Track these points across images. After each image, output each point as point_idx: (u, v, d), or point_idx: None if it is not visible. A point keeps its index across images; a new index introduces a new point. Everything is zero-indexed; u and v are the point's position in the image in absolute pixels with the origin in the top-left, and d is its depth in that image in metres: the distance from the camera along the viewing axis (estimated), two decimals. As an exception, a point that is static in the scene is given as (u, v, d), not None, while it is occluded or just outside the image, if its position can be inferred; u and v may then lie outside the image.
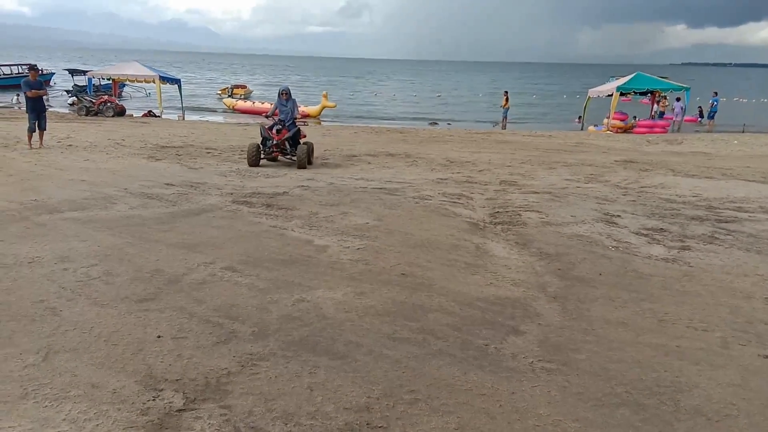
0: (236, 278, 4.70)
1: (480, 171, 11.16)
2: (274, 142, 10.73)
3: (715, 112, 24.83)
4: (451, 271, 5.14)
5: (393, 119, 29.35)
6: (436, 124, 27.20)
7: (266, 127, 10.95)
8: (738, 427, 2.90)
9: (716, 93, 26.08)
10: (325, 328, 3.83)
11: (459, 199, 8.30)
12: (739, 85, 74.32)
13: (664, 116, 24.48)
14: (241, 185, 8.71)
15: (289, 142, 10.91)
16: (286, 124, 10.87)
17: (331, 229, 6.34)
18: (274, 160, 11.09)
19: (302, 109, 27.16)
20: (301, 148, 10.70)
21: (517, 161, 12.81)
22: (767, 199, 8.87)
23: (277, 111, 11.13)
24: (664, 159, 14.02)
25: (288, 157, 10.95)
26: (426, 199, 8.11)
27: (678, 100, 23.66)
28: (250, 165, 10.55)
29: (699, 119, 26.05)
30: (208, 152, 12.39)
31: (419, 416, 2.88)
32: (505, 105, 25.32)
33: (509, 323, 4.05)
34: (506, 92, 26.32)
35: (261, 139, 11.03)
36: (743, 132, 22.72)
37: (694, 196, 8.99)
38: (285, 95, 11.01)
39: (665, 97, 26.26)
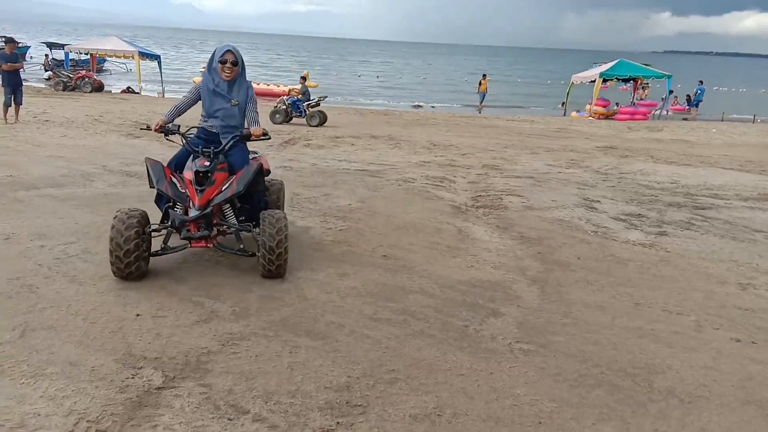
0: (217, 257, 4.67)
1: (463, 154, 11.18)
2: (195, 211, 4.09)
3: (700, 100, 25.11)
4: (433, 254, 5.16)
5: (377, 101, 29.20)
6: (421, 106, 27.13)
7: (167, 163, 4.52)
8: (709, 408, 2.98)
9: (701, 82, 26.36)
10: (307, 309, 3.83)
11: (442, 182, 8.31)
12: (720, 74, 75.29)
13: (636, 104, 24.72)
14: (222, 164, 8.61)
15: (235, 207, 4.53)
16: (225, 150, 4.39)
17: (313, 210, 6.31)
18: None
19: (282, 88, 26.80)
20: (270, 225, 4.09)
21: (500, 146, 12.85)
22: (744, 186, 9.04)
23: (202, 109, 4.59)
24: (644, 146, 14.19)
25: (236, 250, 4.38)
26: (409, 182, 8.11)
27: (671, 92, 24.14)
28: (122, 276, 4.05)
29: (687, 107, 26.36)
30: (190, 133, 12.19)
31: (398, 395, 2.91)
32: (482, 89, 25.31)
33: (489, 305, 4.10)
34: (484, 75, 26.29)
35: (155, 197, 4.72)
36: (722, 120, 23.05)
37: (672, 183, 9.12)
38: (228, 69, 4.40)
39: (648, 85, 26.49)
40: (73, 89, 21.47)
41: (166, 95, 24.19)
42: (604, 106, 22.61)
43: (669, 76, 23.60)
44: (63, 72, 22.72)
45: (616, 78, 23.70)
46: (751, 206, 7.67)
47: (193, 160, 4.28)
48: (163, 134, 4.42)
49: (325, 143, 11.70)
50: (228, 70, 4.40)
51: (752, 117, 24.12)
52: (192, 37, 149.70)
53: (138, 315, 3.61)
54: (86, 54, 25.63)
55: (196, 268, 4.44)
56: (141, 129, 4.86)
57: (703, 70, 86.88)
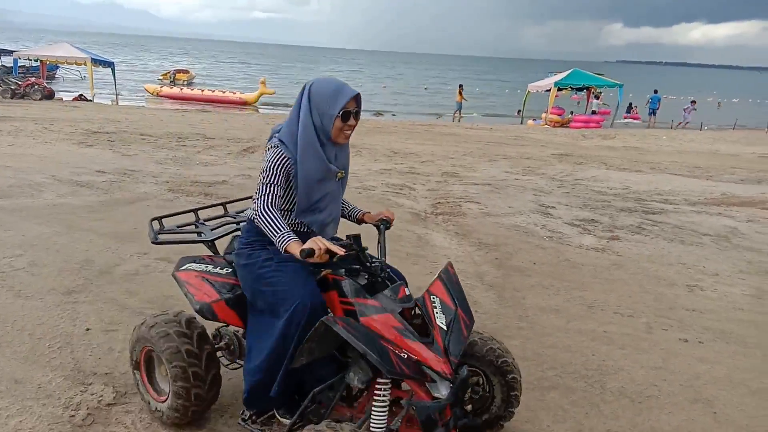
0: (171, 269, 4.56)
1: (423, 162, 11.27)
2: (443, 385, 2.11)
3: (655, 108, 26.00)
4: (393, 261, 5.14)
5: (338, 109, 29.16)
6: (381, 114, 27.25)
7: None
8: (659, 407, 3.07)
9: (656, 91, 27.30)
10: (264, 319, 3.78)
11: (402, 189, 8.36)
12: (669, 83, 78.27)
13: (596, 112, 25.46)
14: (178, 173, 8.45)
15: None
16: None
17: (272, 218, 6.25)
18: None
19: (239, 95, 26.50)
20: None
21: (459, 153, 13.01)
22: (692, 192, 9.40)
23: (282, 199, 2.41)
24: (597, 153, 14.59)
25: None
26: (369, 190, 8.12)
27: (693, 102, 25.12)
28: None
29: (638, 115, 27.31)
30: (143, 138, 11.94)
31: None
32: (459, 99, 25.70)
33: (448, 311, 4.13)
34: (461, 86, 26.68)
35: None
36: (671, 128, 23.94)
37: (624, 189, 9.41)
38: (350, 127, 2.38)
39: (601, 93, 27.31)
40: (22, 97, 20.71)
41: (120, 103, 23.60)
42: (559, 115, 23.19)
43: (621, 86, 24.39)
44: (11, 79, 21.90)
45: (571, 87, 24.36)
46: (698, 210, 7.98)
47: (355, 290, 2.24)
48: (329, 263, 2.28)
49: (284, 151, 11.62)
50: (350, 129, 2.39)
51: (700, 125, 25.14)
52: (147, 44, 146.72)
53: (88, 329, 3.50)
54: (36, 61, 24.78)
55: (150, 280, 4.33)
56: (324, 273, 2.36)
57: (655, 79, 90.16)
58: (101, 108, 19.83)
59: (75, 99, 22.62)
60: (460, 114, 25.59)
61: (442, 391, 2.09)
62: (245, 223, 2.52)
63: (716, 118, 29.30)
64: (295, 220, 2.42)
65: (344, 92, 2.32)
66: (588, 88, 25.23)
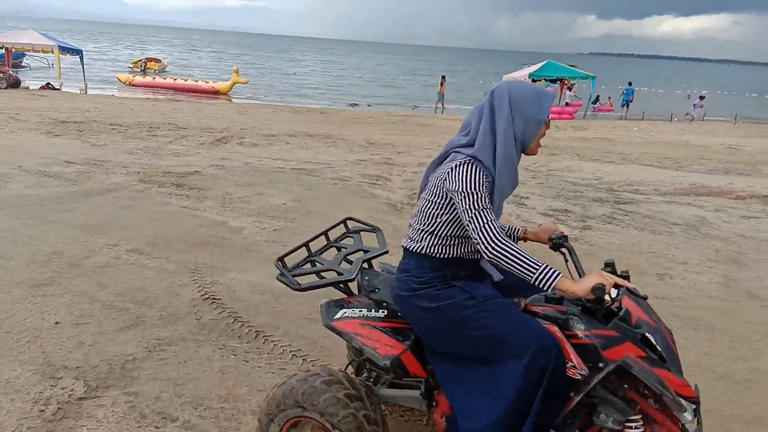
0: (143, 261, 4.49)
1: (399, 153, 11.27)
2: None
3: (629, 101, 26.40)
4: (369, 252, 5.18)
5: (313, 99, 28.99)
6: (357, 105, 27.15)
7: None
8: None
9: (630, 83, 27.70)
10: (239, 311, 3.75)
11: (378, 180, 8.35)
12: (640, 75, 79.63)
13: (569, 104, 25.77)
14: (149, 163, 8.30)
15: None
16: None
17: (246, 209, 6.19)
18: None
19: (212, 84, 26.11)
20: None
21: (435, 144, 13.04)
22: (662, 182, 9.60)
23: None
24: (570, 144, 14.78)
25: None
26: (345, 180, 8.09)
27: (701, 98, 25.34)
28: None
29: (612, 107, 27.71)
30: (113, 128, 11.69)
31: (334, 394, 2.90)
32: (441, 90, 25.77)
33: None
34: (443, 77, 26.71)
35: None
36: (642, 120, 24.36)
37: (596, 179, 9.56)
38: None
39: (574, 85, 27.64)
40: (-14, 85, 20.07)
41: (89, 92, 23.05)
42: (534, 106, 23.41)
43: (593, 77, 24.71)
44: (-27, 66, 21.20)
45: (545, 78, 24.59)
46: (668, 201, 8.15)
47: (587, 321, 1.96)
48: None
49: (259, 141, 11.49)
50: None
51: (670, 116, 25.64)
52: (116, 31, 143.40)
53: (57, 323, 3.42)
54: (1, 48, 24.01)
55: (121, 272, 4.26)
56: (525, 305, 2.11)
57: (627, 71, 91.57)
58: (69, 97, 19.33)
59: (42, 88, 22.01)
60: (442, 105, 25.64)
61: (688, 417, 1.87)
62: (410, 258, 2.16)
63: (686, 108, 29.88)
64: (474, 248, 2.11)
65: (546, 95, 2.07)
66: (562, 80, 25.49)
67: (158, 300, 3.82)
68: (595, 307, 1.96)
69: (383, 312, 2.25)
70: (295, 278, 2.37)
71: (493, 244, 1.85)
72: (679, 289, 4.78)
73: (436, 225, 2.07)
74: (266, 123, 14.93)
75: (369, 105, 27.59)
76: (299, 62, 69.86)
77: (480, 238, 1.88)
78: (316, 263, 2.53)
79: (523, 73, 24.58)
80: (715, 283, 4.99)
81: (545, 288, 1.82)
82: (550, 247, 2.39)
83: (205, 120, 14.27)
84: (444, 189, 2.01)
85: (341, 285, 2.40)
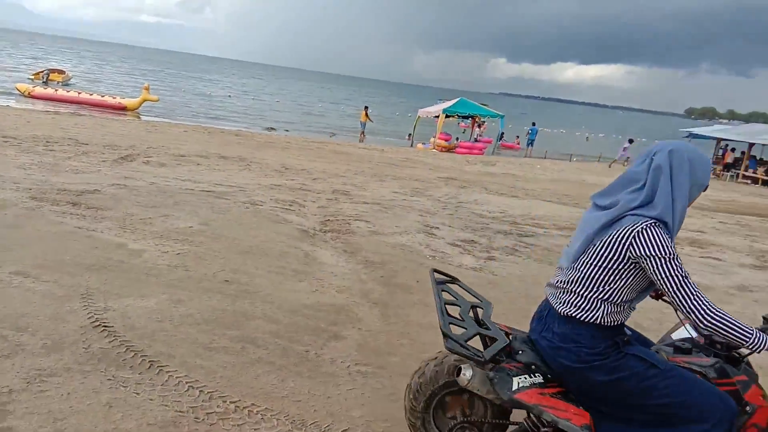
0: (29, 284, 4.14)
1: (314, 179, 11.25)
2: None
3: (533, 140, 28.01)
4: (279, 278, 5.09)
5: (229, 121, 28.40)
6: (274, 129, 26.90)
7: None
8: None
9: (534, 123, 29.46)
10: (133, 340, 3.54)
11: (291, 205, 8.27)
12: (545, 116, 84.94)
13: (479, 140, 26.98)
14: (43, 179, 7.73)
15: None
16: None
17: (148, 232, 5.90)
18: None
19: (119, 100, 24.96)
20: None
21: (351, 172, 13.15)
22: (560, 217, 10.21)
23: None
24: (480, 178, 15.43)
25: None
26: (257, 205, 7.95)
27: (630, 141, 26.72)
28: None
29: (519, 145, 29.26)
30: (6, 141, 10.81)
31: (231, 429, 2.79)
32: (364, 119, 26.19)
33: (332, 329, 4.12)
34: (366, 107, 27.17)
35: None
36: (545, 158, 25.92)
37: (501, 213, 10.01)
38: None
39: (484, 122, 29.03)
40: None
41: (-21, 99, 21.24)
42: (447, 140, 24.28)
43: (502, 116, 26.10)
44: None
45: (457, 114, 25.65)
46: (565, 234, 8.67)
47: (730, 368, 2.24)
48: None
49: (167, 161, 11.05)
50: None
51: (569, 156, 27.48)
52: (16, 39, 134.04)
53: None
54: None
55: (1, 296, 3.90)
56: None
57: (534, 112, 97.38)
58: (-46, 104, 17.71)
59: None
60: (363, 134, 26.02)
61: None
62: (579, 327, 2.11)
63: (585, 149, 32.17)
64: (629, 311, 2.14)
65: (709, 162, 2.12)
66: (473, 117, 26.69)
67: (42, 327, 3.53)
68: (731, 355, 2.15)
69: (539, 376, 2.19)
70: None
71: (709, 316, 1.88)
72: (573, 318, 5.07)
73: (611, 293, 2.05)
74: (176, 142, 14.41)
75: (287, 130, 27.44)
76: (216, 83, 68.40)
77: (694, 309, 1.90)
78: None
79: (437, 108, 25.50)
80: (605, 313, 5.34)
81: (760, 351, 1.91)
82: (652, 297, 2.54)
83: (109, 136, 13.54)
84: (626, 253, 1.98)
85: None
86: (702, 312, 1.89)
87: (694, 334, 2.32)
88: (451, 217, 9.00)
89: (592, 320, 2.09)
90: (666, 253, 1.92)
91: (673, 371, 2.09)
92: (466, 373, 2.19)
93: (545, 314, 2.28)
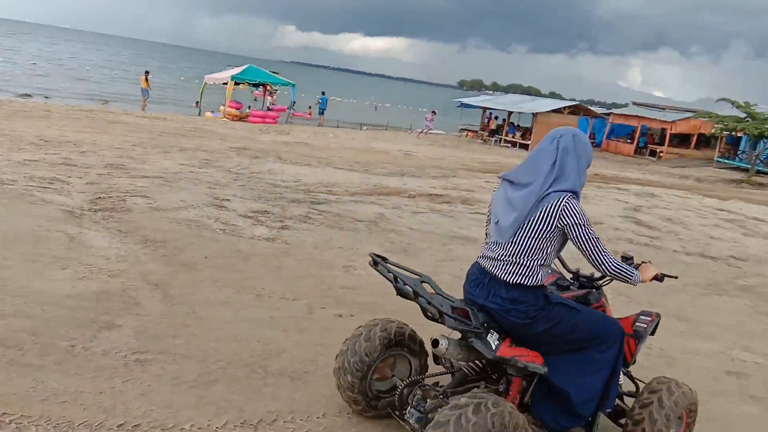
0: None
1: (82, 152, 9.96)
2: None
3: (324, 108, 28.23)
4: (35, 268, 4.41)
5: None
6: (30, 96, 23.14)
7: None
8: (315, 380, 3.33)
9: (324, 92, 29.66)
10: None
11: (52, 183, 7.22)
12: (335, 86, 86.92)
13: (272, 109, 26.60)
14: None
15: None
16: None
17: None
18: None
19: None
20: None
21: (128, 143, 11.93)
22: (351, 183, 10.58)
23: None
24: (273, 147, 15.23)
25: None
26: (6, 184, 6.77)
27: (433, 113, 26.48)
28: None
29: (311, 114, 29.39)
30: None
31: (-28, 447, 2.36)
32: (144, 85, 23.54)
33: (103, 318, 3.71)
34: (146, 72, 24.45)
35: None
36: (338, 127, 26.58)
37: (295, 182, 10.02)
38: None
39: (276, 91, 28.61)
40: None
41: None
42: (238, 108, 23.42)
43: (293, 85, 25.96)
44: None
45: (247, 82, 24.82)
46: (355, 200, 9.02)
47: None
48: None
49: None
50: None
51: (359, 125, 28.57)
52: None
53: None
54: None
55: None
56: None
57: (323, 81, 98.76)
58: None
59: None
60: (145, 102, 23.62)
61: None
62: (523, 291, 2.50)
63: (373, 118, 33.74)
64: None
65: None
66: (264, 85, 26.09)
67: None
68: (593, 284, 3.00)
69: (495, 333, 2.55)
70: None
71: (614, 266, 2.49)
72: (362, 278, 5.30)
73: (545, 257, 2.50)
74: None
75: (46, 97, 23.81)
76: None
77: (604, 263, 2.47)
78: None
79: (225, 75, 24.37)
80: (390, 271, 5.68)
81: (637, 283, 2.60)
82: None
83: None
84: (556, 223, 2.42)
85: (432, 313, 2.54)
86: (609, 264, 2.48)
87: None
88: (244, 189, 8.73)
89: (533, 283, 2.50)
90: (584, 221, 2.43)
91: (582, 309, 2.69)
92: (443, 342, 2.47)
93: (486, 282, 2.59)
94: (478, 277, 2.63)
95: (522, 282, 2.49)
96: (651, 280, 2.74)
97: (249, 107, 24.88)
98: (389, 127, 29.88)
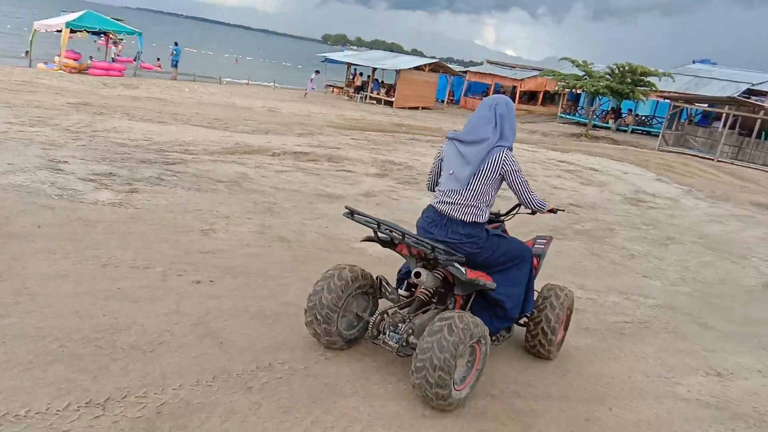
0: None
1: None
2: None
3: (177, 60, 26.13)
4: None
5: None
6: None
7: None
8: (170, 352, 3.16)
9: (177, 43, 27.37)
10: None
11: None
12: (191, 36, 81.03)
13: (118, 60, 24.28)
14: None
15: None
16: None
17: None
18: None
19: None
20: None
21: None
22: (210, 142, 10.04)
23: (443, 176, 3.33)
24: (120, 103, 13.95)
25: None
26: None
27: (317, 72, 25.27)
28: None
29: (161, 66, 27.08)
30: None
31: None
32: None
33: None
34: None
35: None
36: (194, 81, 24.96)
37: (146, 140, 9.29)
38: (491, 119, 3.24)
39: (122, 40, 26.03)
40: None
41: None
42: (76, 59, 21.02)
43: (140, 34, 23.78)
44: None
45: (86, 30, 22.27)
46: (215, 159, 8.59)
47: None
48: None
49: None
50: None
51: (219, 78, 27.05)
52: None
53: None
54: None
55: None
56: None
57: (175, 31, 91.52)
58: None
59: None
60: None
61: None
62: (473, 228, 3.20)
63: (234, 72, 32.12)
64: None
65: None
66: (107, 33, 23.61)
67: None
68: (497, 220, 3.70)
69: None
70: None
71: (535, 200, 3.33)
72: (222, 242, 5.10)
73: (490, 200, 3.22)
74: None
75: None
76: None
77: (530, 198, 3.29)
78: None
79: (59, 21, 21.64)
80: (252, 232, 5.54)
81: (545, 212, 3.48)
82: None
83: None
84: (500, 171, 3.14)
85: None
86: (534, 200, 3.31)
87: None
88: (85, 149, 7.92)
89: (482, 221, 3.21)
90: (517, 168, 3.18)
91: (507, 237, 3.48)
92: (424, 274, 3.18)
93: (444, 222, 3.22)
94: (435, 219, 3.26)
95: (475, 220, 3.19)
96: (549, 212, 3.54)
97: (91, 58, 22.47)
98: (251, 82, 28.69)
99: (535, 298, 3.68)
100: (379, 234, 3.24)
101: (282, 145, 10.72)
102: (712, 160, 20.78)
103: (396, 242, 3.25)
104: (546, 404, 3.33)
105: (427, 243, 2.99)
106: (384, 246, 3.39)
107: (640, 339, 4.56)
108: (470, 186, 3.14)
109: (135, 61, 24.84)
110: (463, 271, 3.09)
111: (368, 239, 3.40)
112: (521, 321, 3.76)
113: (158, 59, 27.63)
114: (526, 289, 3.54)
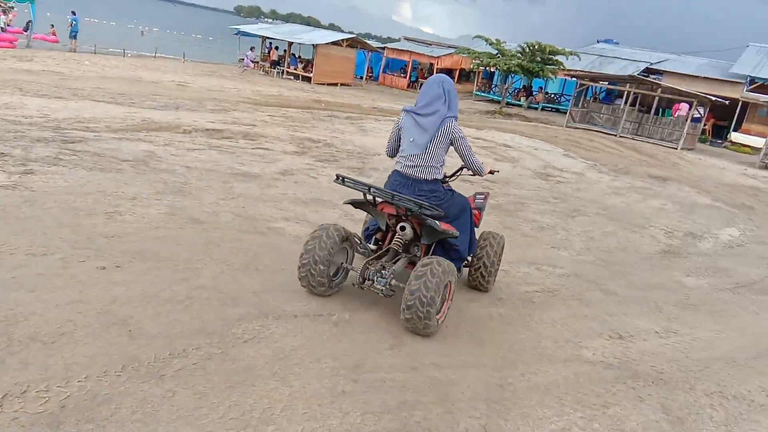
0: None
1: None
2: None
3: (77, 31, 24.14)
4: None
5: None
6: None
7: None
8: (74, 342, 2.98)
9: (74, 12, 25.24)
10: None
11: None
12: (91, 6, 75.23)
13: (8, 30, 22.23)
14: None
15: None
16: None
17: None
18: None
19: None
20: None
21: None
22: (114, 118, 9.44)
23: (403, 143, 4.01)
24: (12, 77, 12.80)
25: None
26: None
27: (252, 49, 22.95)
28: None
29: (56, 36, 24.98)
30: None
31: None
32: None
33: None
34: None
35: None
36: (95, 53, 23.31)
37: (42, 117, 8.60)
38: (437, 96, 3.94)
39: (13, 8, 23.80)
40: None
41: None
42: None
43: (32, 1, 21.83)
44: None
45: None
46: (119, 137, 8.09)
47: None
48: None
49: None
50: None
51: (122, 51, 25.40)
52: None
53: None
54: None
55: None
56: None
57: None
58: None
59: None
60: None
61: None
62: (434, 185, 3.92)
63: (140, 45, 30.28)
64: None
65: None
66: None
67: None
68: (447, 180, 4.15)
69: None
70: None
71: (477, 163, 4.01)
72: (128, 224, 4.84)
73: (444, 160, 3.90)
74: None
75: None
76: None
77: (472, 161, 3.98)
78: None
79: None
80: (162, 213, 5.28)
81: (484, 175, 4.11)
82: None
83: None
84: (449, 137, 3.82)
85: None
86: (476, 163, 3.98)
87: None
88: (-32, 127, 7.20)
89: (440, 178, 3.92)
90: (463, 135, 3.86)
91: (455, 192, 4.14)
92: (407, 226, 3.88)
93: (410, 183, 3.87)
94: (402, 181, 3.90)
95: (435, 178, 3.88)
96: (489, 173, 4.23)
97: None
98: (158, 55, 27.18)
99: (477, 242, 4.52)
100: (368, 196, 3.78)
101: (193, 122, 10.27)
102: (615, 135, 22.10)
103: (377, 203, 3.87)
104: (463, 373, 3.45)
105: (415, 201, 3.55)
106: (356, 207, 4.00)
107: (549, 307, 4.81)
108: (428, 150, 3.81)
109: (26, 31, 22.80)
110: (438, 224, 3.75)
111: (351, 202, 3.97)
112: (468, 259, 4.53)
113: (52, 26, 25.44)
114: (470, 235, 4.30)
